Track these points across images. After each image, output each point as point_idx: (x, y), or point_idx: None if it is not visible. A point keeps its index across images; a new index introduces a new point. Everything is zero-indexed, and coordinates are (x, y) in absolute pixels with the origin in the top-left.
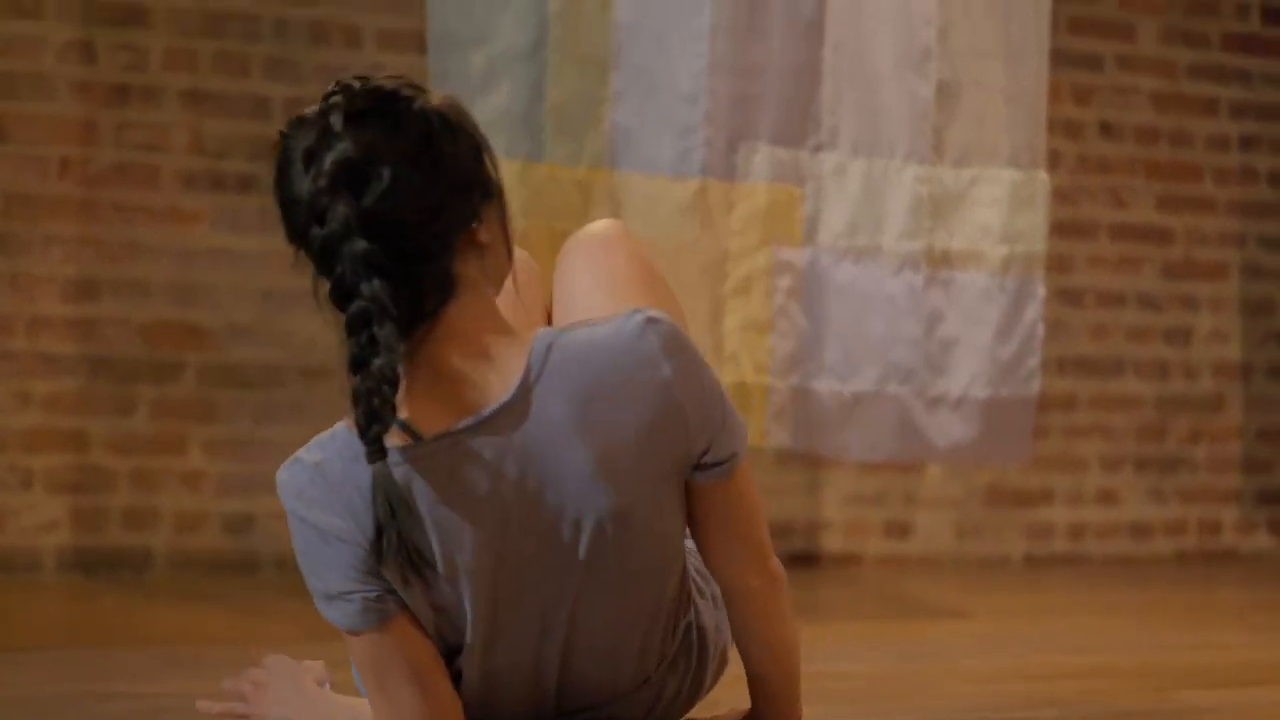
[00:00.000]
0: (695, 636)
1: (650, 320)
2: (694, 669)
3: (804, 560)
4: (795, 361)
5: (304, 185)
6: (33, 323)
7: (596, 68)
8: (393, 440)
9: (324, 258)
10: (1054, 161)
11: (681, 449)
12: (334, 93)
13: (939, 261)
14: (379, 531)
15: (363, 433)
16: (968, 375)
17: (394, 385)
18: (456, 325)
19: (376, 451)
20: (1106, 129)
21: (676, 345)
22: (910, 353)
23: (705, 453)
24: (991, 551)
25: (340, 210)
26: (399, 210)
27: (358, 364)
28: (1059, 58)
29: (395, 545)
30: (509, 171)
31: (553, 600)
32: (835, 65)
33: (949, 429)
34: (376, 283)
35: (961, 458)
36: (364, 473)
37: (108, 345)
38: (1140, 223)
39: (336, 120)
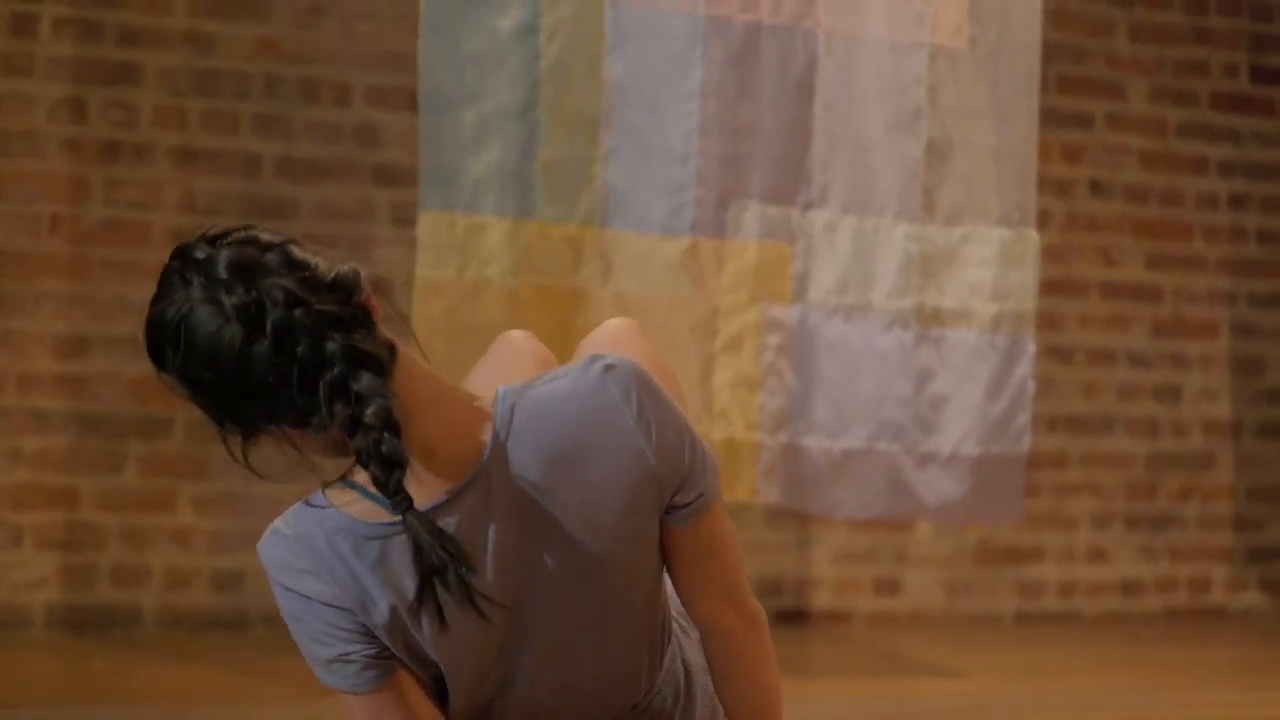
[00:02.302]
0: (681, 669)
1: (608, 368)
2: (683, 702)
3: (794, 617)
4: (785, 419)
5: (214, 307)
6: (22, 380)
7: (588, 126)
8: (382, 517)
9: (278, 349)
10: (1044, 220)
11: (653, 493)
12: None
13: (929, 319)
14: (426, 578)
15: (383, 485)
16: (958, 433)
17: (395, 430)
18: (411, 396)
19: (403, 499)
20: (1096, 187)
21: (638, 390)
22: (900, 410)
23: (676, 493)
24: (982, 609)
25: (272, 290)
26: (312, 278)
27: (353, 424)
28: (1049, 117)
29: (456, 583)
30: (499, 230)
31: (542, 640)
32: (826, 124)
33: (939, 486)
34: (338, 336)
35: (952, 515)
36: (345, 543)
37: (98, 402)
38: (1130, 281)
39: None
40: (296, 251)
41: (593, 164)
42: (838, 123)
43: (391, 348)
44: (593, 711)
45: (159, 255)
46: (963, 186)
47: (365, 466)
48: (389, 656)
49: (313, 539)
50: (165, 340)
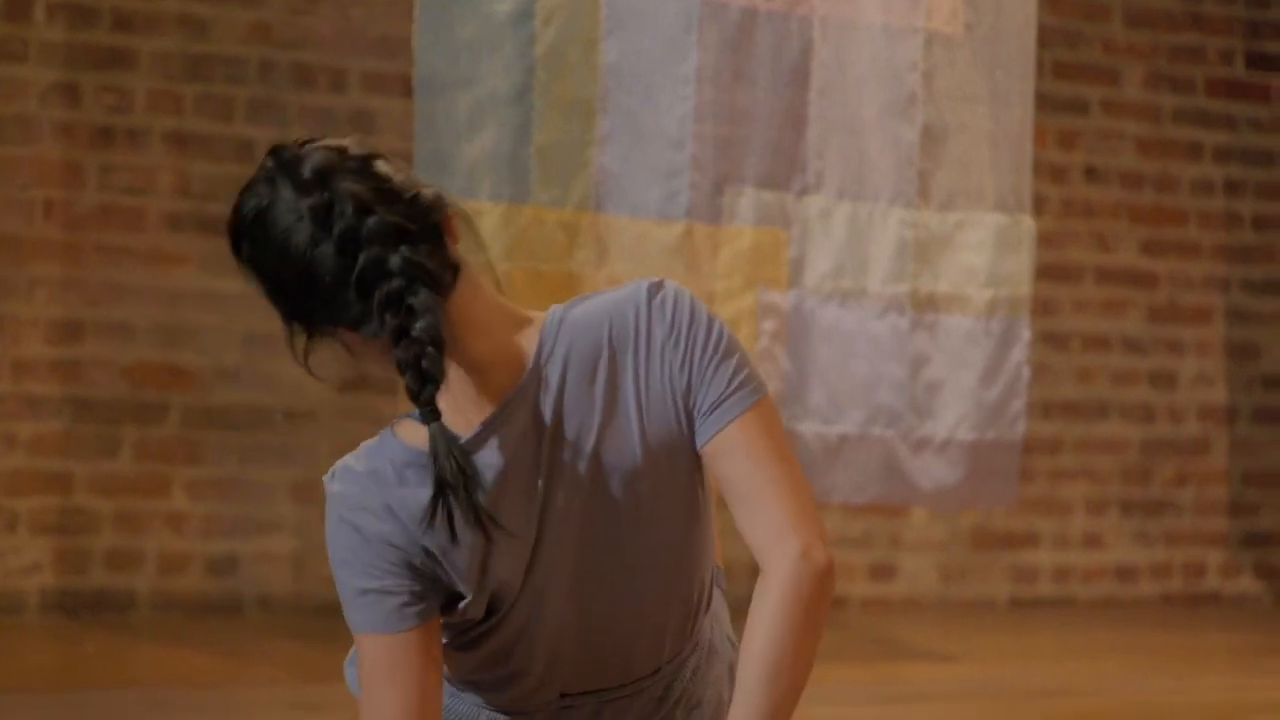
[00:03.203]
0: (706, 650)
1: (653, 284)
2: (697, 685)
3: None
4: (780, 404)
5: (291, 204)
6: (17, 365)
7: (583, 111)
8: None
9: (341, 253)
10: (1039, 205)
11: (680, 404)
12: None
13: (924, 305)
14: (439, 490)
15: (415, 395)
16: (953, 418)
17: (439, 347)
18: (470, 313)
19: (431, 411)
20: (1091, 173)
21: (674, 302)
22: (895, 395)
23: (688, 394)
24: (977, 594)
25: (345, 196)
26: (390, 189)
27: (399, 334)
28: (1044, 102)
29: (464, 500)
30: (493, 214)
31: (579, 560)
32: (821, 110)
33: (934, 472)
34: (405, 249)
35: (946, 500)
36: (414, 476)
37: (92, 387)
38: (1125, 266)
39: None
40: (380, 165)
41: (588, 149)
42: (833, 108)
43: (456, 269)
44: (617, 668)
45: (153, 240)
46: (958, 172)
47: (403, 375)
48: (426, 599)
49: (382, 474)
50: (243, 231)
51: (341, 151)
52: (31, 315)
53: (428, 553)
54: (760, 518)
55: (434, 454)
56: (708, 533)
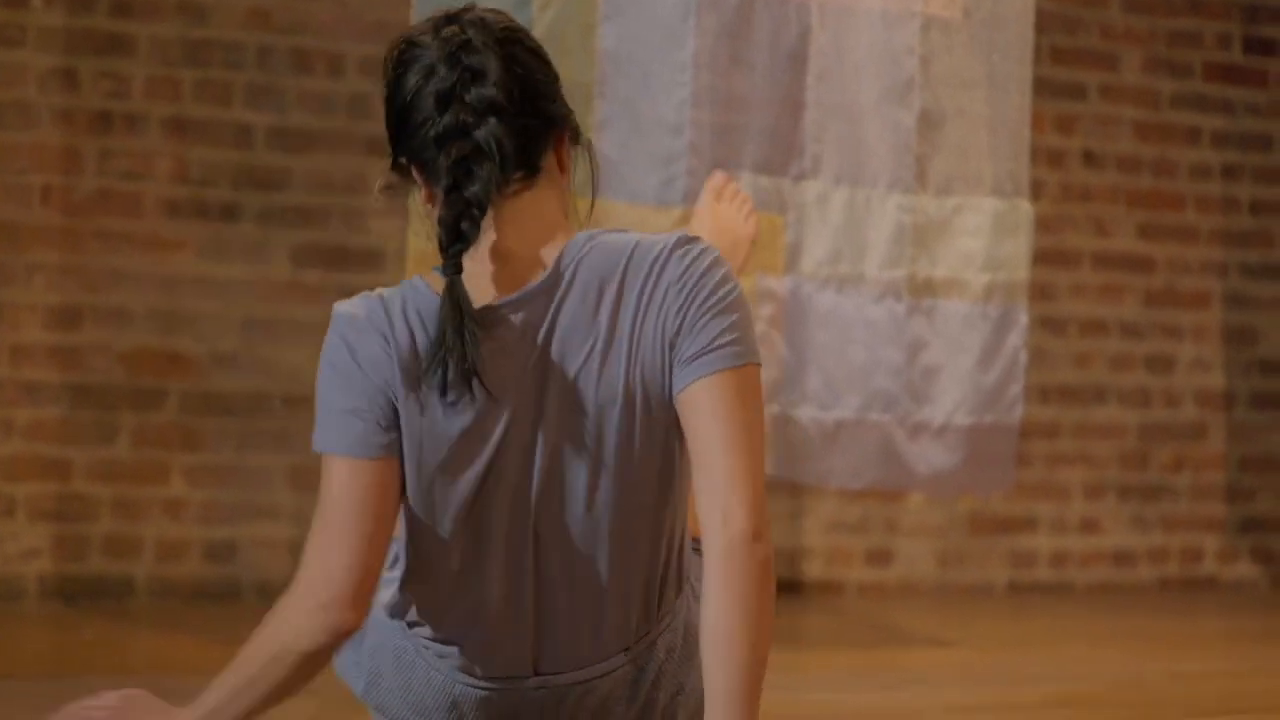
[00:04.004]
0: (682, 632)
1: (688, 236)
2: (677, 668)
3: (786, 588)
4: (777, 389)
5: (436, 52)
6: (15, 351)
7: (581, 96)
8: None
9: (444, 102)
10: (1037, 190)
11: (664, 330)
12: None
13: (921, 290)
14: (439, 341)
15: (445, 248)
16: (950, 403)
17: (482, 212)
18: (524, 212)
19: (454, 266)
20: (1089, 158)
21: (695, 249)
22: (892, 380)
23: (675, 339)
24: (974, 579)
25: (474, 61)
26: (522, 76)
27: (450, 190)
28: (1042, 87)
29: (459, 354)
30: None
31: (540, 491)
32: (818, 95)
33: (931, 457)
34: (494, 122)
35: (944, 485)
36: (415, 315)
37: (90, 373)
38: (1123, 251)
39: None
40: (525, 54)
41: (586, 133)
42: (831, 93)
43: (534, 168)
44: (586, 640)
45: (151, 226)
46: (956, 157)
47: (440, 229)
48: (391, 439)
49: (391, 302)
50: (394, 48)
51: (514, 30)
52: (30, 301)
53: (395, 410)
54: (706, 483)
55: (444, 304)
56: (680, 503)
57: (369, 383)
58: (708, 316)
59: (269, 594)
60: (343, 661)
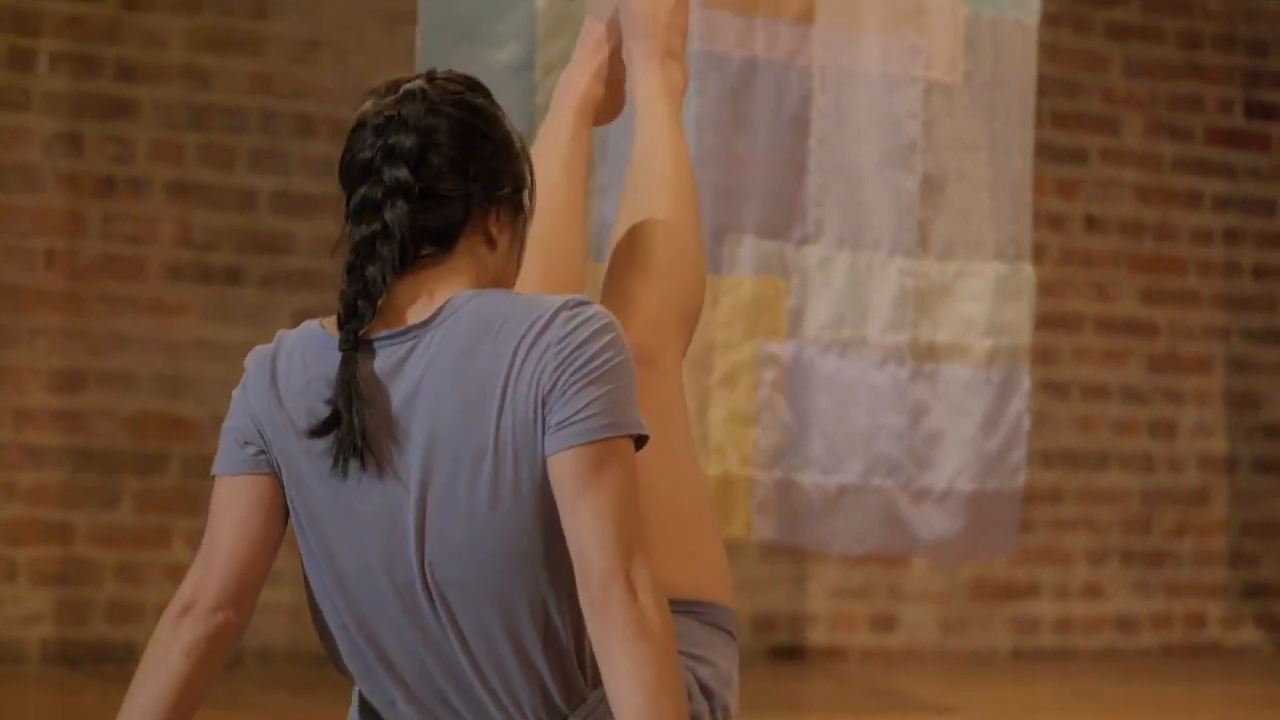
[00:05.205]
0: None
1: (578, 300)
2: None
3: (789, 654)
4: (780, 454)
5: (370, 119)
6: (18, 415)
7: None
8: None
9: (362, 175)
10: (1039, 254)
11: (538, 389)
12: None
13: (924, 354)
14: (335, 416)
15: (341, 324)
16: (953, 468)
17: (380, 292)
18: (430, 281)
19: (349, 341)
20: (1091, 222)
21: (582, 313)
22: (895, 445)
23: (547, 399)
24: (978, 645)
25: (395, 140)
26: (449, 156)
27: (352, 268)
28: (1044, 151)
29: (353, 426)
30: None
31: (418, 539)
32: (820, 159)
33: (934, 522)
34: (401, 207)
35: (947, 551)
36: (313, 350)
37: (93, 437)
38: (1125, 316)
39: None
40: (461, 129)
41: (588, 198)
42: (832, 157)
43: (448, 245)
44: (513, 714)
45: (155, 290)
46: (958, 221)
47: (340, 298)
48: (260, 462)
49: (286, 340)
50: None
51: (459, 104)
52: (33, 365)
53: (264, 438)
54: (571, 549)
55: (339, 380)
56: (565, 570)
57: (247, 409)
58: (581, 383)
59: (270, 659)
60: None
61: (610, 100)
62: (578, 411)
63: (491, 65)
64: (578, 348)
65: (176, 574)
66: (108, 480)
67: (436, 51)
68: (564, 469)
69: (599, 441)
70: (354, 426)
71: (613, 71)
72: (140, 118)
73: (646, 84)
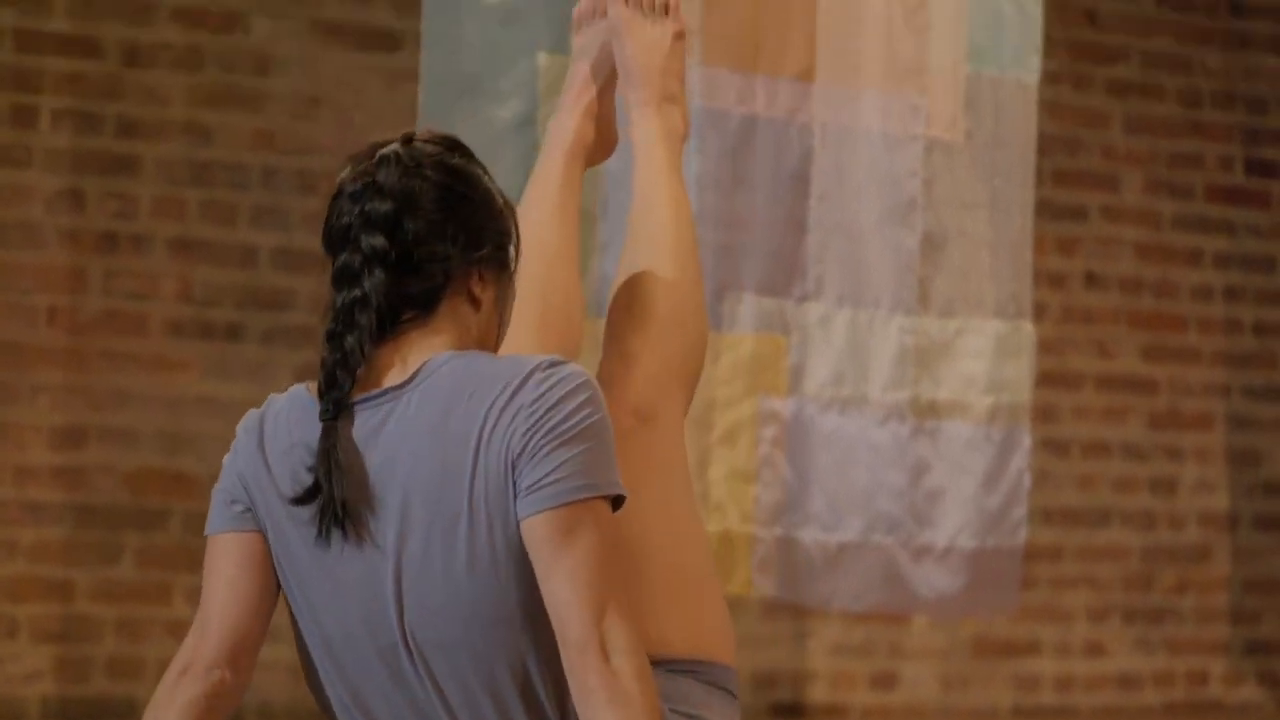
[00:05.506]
0: None
1: (554, 360)
2: None
3: (790, 712)
4: (780, 511)
5: (346, 186)
6: (19, 471)
7: (584, 219)
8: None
9: (341, 241)
10: (1039, 312)
11: (509, 451)
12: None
13: (925, 412)
14: (316, 485)
15: (322, 394)
16: (954, 526)
17: (359, 362)
18: (413, 344)
19: (329, 411)
20: (1091, 280)
21: (556, 373)
22: (896, 503)
23: (517, 463)
24: (979, 703)
25: (372, 207)
26: (429, 221)
27: (332, 336)
28: (1044, 209)
29: (333, 496)
30: None
31: (397, 599)
32: (821, 216)
33: (935, 580)
34: (379, 275)
35: (947, 609)
36: (298, 415)
37: (94, 494)
38: (1125, 373)
39: (385, 175)
40: (440, 193)
41: (589, 256)
42: (833, 214)
43: (429, 309)
44: None
45: (157, 346)
46: (958, 278)
47: (321, 366)
48: (251, 518)
49: (274, 404)
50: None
51: (439, 165)
52: (34, 421)
53: (251, 498)
54: (555, 626)
55: (320, 450)
56: (545, 630)
57: (235, 470)
58: (551, 445)
59: (270, 716)
60: None
61: (602, 139)
62: (547, 475)
63: (493, 122)
64: (550, 409)
65: (177, 630)
66: (108, 536)
67: (438, 108)
68: (535, 534)
69: (570, 505)
70: (334, 496)
71: (602, 110)
72: (142, 174)
73: (644, 131)
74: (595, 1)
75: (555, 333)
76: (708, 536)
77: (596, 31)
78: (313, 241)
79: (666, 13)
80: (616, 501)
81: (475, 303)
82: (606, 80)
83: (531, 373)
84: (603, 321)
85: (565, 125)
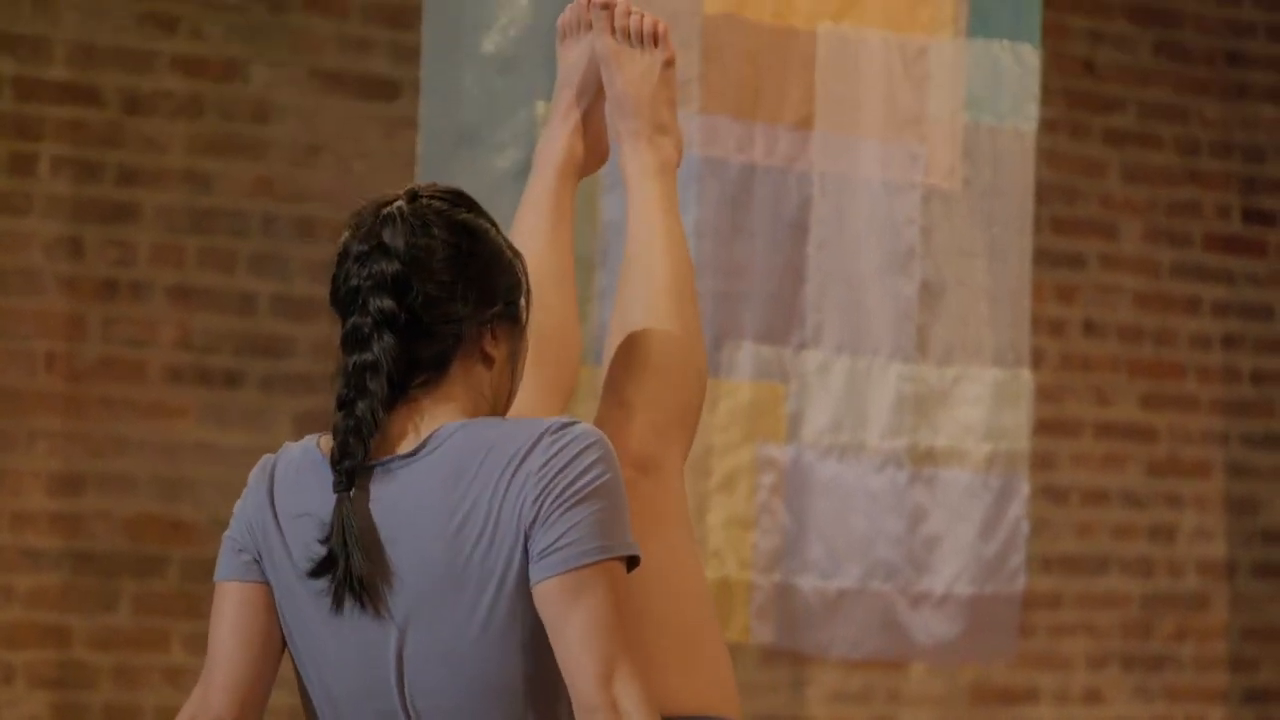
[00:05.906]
0: None
1: (565, 421)
2: None
3: None
4: (778, 558)
5: (352, 247)
6: (16, 517)
7: (583, 267)
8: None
9: (350, 303)
10: (1037, 360)
11: (520, 516)
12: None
13: (923, 459)
14: (330, 558)
15: (335, 463)
16: (952, 573)
17: (372, 431)
18: (426, 409)
19: (343, 482)
20: (1090, 327)
21: (568, 435)
22: (894, 550)
23: (530, 531)
24: None
25: (379, 268)
26: (439, 282)
27: (344, 403)
28: (1042, 257)
29: (349, 570)
30: None
31: (398, 666)
32: (819, 264)
33: (933, 627)
34: (389, 339)
35: (946, 655)
36: (309, 484)
37: (92, 540)
38: (1124, 421)
39: (389, 233)
40: (447, 251)
41: (587, 303)
42: (831, 262)
43: (441, 370)
44: None
45: (155, 393)
46: (956, 326)
47: (334, 434)
48: (258, 569)
49: (285, 456)
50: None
51: (446, 222)
52: (32, 467)
53: (258, 548)
54: (569, 688)
55: (334, 522)
56: (561, 685)
57: (245, 518)
58: (563, 509)
59: None
60: None
61: (591, 153)
62: (559, 538)
63: (492, 171)
64: (559, 472)
65: (174, 677)
66: (106, 583)
67: (436, 157)
68: (547, 597)
69: (580, 568)
70: (350, 572)
71: (589, 127)
72: (141, 221)
73: (636, 163)
74: (580, 13)
75: (551, 357)
76: (708, 586)
77: (582, 43)
78: (312, 289)
79: (655, 43)
80: (631, 561)
81: (488, 361)
82: (595, 94)
83: (540, 437)
84: (601, 371)
85: (555, 143)
